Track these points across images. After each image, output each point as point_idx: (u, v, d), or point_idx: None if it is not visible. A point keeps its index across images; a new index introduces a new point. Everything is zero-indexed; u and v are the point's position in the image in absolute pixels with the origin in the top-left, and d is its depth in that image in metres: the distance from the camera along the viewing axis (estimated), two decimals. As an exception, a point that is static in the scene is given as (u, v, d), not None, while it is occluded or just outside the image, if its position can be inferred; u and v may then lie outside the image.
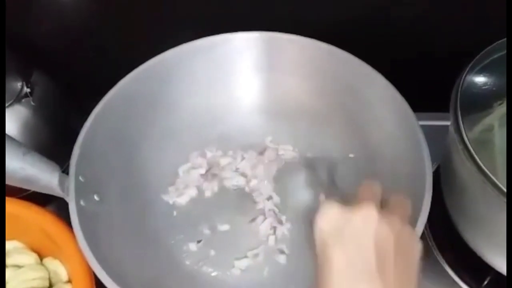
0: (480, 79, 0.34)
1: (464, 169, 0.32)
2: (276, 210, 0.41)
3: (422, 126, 0.36)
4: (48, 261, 0.39)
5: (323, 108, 0.44)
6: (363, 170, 0.41)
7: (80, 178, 0.35)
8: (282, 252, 0.39)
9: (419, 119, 0.37)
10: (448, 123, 0.33)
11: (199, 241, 0.40)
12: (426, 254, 0.40)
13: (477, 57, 0.34)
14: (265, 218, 0.40)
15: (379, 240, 0.25)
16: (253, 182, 0.42)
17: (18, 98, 0.40)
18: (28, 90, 0.40)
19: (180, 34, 0.42)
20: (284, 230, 0.40)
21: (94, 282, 0.35)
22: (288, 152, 0.44)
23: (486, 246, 0.35)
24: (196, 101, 0.43)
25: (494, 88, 0.34)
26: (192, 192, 0.42)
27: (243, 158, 0.44)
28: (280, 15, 0.44)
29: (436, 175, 0.37)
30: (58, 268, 0.38)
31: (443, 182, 0.37)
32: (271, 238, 0.40)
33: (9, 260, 0.39)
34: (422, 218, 0.32)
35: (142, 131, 0.41)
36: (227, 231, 0.40)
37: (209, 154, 0.44)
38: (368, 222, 0.25)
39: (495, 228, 0.33)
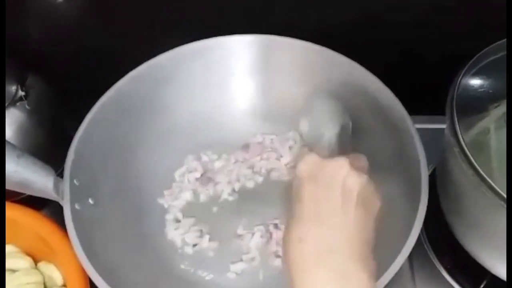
0: (475, 82, 0.34)
1: (460, 172, 0.32)
2: (272, 214, 0.41)
3: (418, 129, 0.36)
4: (43, 265, 0.39)
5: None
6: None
7: (75, 181, 0.34)
8: (277, 255, 0.39)
9: (415, 122, 0.37)
10: (444, 126, 0.33)
11: (194, 245, 0.39)
12: (422, 257, 0.40)
13: (472, 60, 0.34)
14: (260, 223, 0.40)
15: (346, 186, 0.28)
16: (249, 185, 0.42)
17: (13, 102, 0.40)
18: (23, 93, 0.40)
19: (175, 37, 0.42)
20: (280, 234, 0.40)
21: (89, 287, 0.35)
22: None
23: (482, 249, 0.35)
24: (191, 104, 0.43)
25: (490, 91, 0.34)
26: (187, 196, 0.42)
27: (236, 161, 0.44)
28: (275, 18, 0.44)
29: (432, 178, 0.37)
30: (53, 273, 0.38)
31: (439, 185, 0.37)
32: (266, 242, 0.39)
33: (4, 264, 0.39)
34: (418, 221, 0.32)
35: (136, 135, 0.41)
36: (222, 235, 0.40)
37: (204, 158, 0.44)
38: (340, 170, 0.29)
39: (491, 231, 0.32)
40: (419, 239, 0.40)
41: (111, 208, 0.37)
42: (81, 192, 0.35)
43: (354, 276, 0.26)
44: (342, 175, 0.28)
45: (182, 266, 0.38)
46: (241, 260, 0.39)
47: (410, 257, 0.40)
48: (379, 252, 0.34)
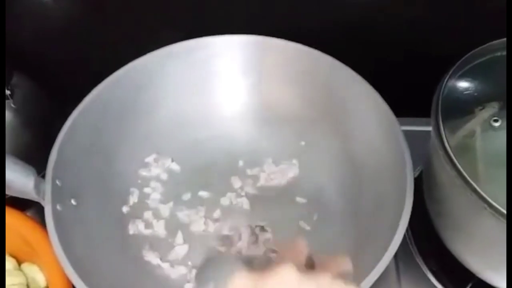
0: (462, 84, 0.34)
1: (444, 174, 0.32)
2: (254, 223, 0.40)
3: (406, 132, 0.36)
4: (26, 266, 0.39)
5: (307, 113, 0.44)
6: (345, 175, 0.41)
7: (57, 182, 0.34)
8: (274, 251, 0.38)
9: (403, 124, 0.37)
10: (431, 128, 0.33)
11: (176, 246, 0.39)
12: (408, 259, 0.40)
13: (459, 62, 0.34)
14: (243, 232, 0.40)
15: None
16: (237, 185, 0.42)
17: (-2, 101, 0.40)
18: (9, 92, 0.40)
19: (163, 37, 0.41)
20: (267, 235, 0.40)
21: (71, 288, 0.34)
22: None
23: (467, 251, 0.34)
24: (176, 105, 0.43)
25: (475, 94, 0.34)
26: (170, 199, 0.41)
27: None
28: (265, 19, 0.44)
29: (419, 181, 0.37)
30: (36, 274, 0.38)
31: (425, 187, 0.37)
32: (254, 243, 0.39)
33: (-14, 265, 0.38)
34: (403, 223, 0.32)
35: (120, 137, 0.41)
36: (205, 236, 0.39)
37: (189, 160, 0.43)
38: (287, 284, 0.22)
39: (475, 234, 0.32)
40: (405, 241, 0.41)
41: (93, 209, 0.37)
42: (63, 192, 0.34)
43: None
44: None
45: (163, 267, 0.38)
46: None
47: (396, 259, 0.41)
48: (365, 253, 0.34)
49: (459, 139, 0.32)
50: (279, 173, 0.43)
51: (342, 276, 0.24)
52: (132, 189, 0.41)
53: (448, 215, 0.35)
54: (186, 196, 0.41)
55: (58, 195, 0.34)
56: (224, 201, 0.41)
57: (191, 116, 0.44)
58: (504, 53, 0.34)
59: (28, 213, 0.38)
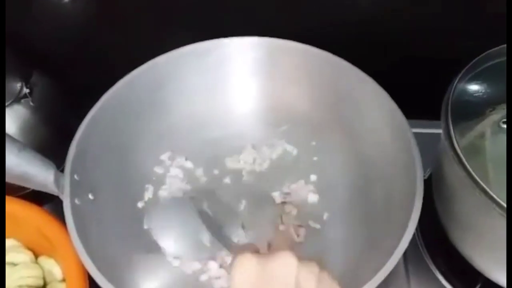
0: (472, 87, 0.34)
1: (454, 175, 0.32)
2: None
3: (417, 134, 0.37)
4: (43, 259, 0.40)
5: (318, 114, 0.44)
6: (355, 175, 0.41)
7: (75, 176, 0.35)
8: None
9: (414, 126, 0.37)
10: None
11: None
12: (417, 260, 0.40)
13: (469, 65, 0.34)
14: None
15: (300, 286, 0.24)
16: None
17: (18, 98, 0.41)
18: (28, 90, 0.41)
19: (177, 39, 0.42)
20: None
21: (87, 282, 0.35)
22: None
23: (476, 252, 0.35)
24: (191, 105, 0.44)
25: (486, 96, 0.34)
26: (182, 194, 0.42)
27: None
28: (276, 22, 0.45)
29: (429, 183, 0.37)
30: (53, 267, 0.39)
31: (434, 188, 0.38)
32: None
33: (5, 258, 0.39)
34: (412, 223, 0.32)
35: (136, 133, 0.42)
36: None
37: (202, 158, 0.44)
38: (288, 269, 0.24)
39: (485, 235, 0.33)
40: (414, 242, 0.41)
41: (109, 204, 0.37)
42: (81, 187, 0.35)
43: None
44: (292, 275, 0.24)
45: (178, 261, 0.39)
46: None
47: (406, 260, 0.41)
48: (374, 252, 0.34)
49: (469, 141, 0.32)
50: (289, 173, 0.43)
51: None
52: (147, 185, 0.42)
53: (457, 216, 0.35)
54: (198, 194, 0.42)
55: (76, 189, 0.34)
56: (236, 200, 0.42)
57: (204, 116, 0.44)
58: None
59: (46, 208, 0.39)
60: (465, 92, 0.34)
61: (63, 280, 0.38)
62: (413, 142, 0.36)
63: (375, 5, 0.44)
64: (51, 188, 0.33)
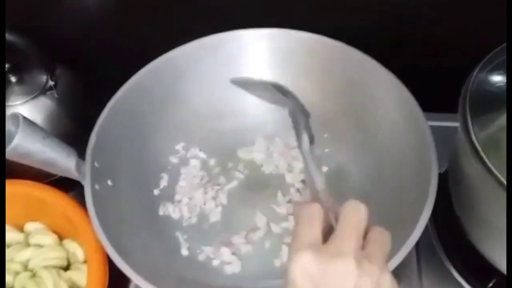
0: (493, 77, 0.33)
1: (472, 169, 0.32)
2: None
3: (435, 127, 0.36)
4: (67, 242, 0.42)
5: (332, 105, 0.44)
6: (369, 167, 0.41)
7: (96, 164, 0.37)
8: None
9: (432, 119, 0.37)
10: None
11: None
12: (430, 255, 0.40)
13: (490, 55, 0.33)
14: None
15: None
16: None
17: (43, 91, 0.42)
18: (53, 83, 0.43)
19: (196, 31, 0.43)
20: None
21: (107, 263, 0.37)
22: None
23: (493, 248, 0.34)
24: (206, 97, 0.44)
25: (506, 87, 0.33)
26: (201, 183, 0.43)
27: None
28: (292, 13, 0.44)
29: (446, 177, 0.37)
30: (76, 250, 0.41)
31: (451, 183, 0.37)
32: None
33: (32, 240, 0.41)
34: (424, 216, 0.32)
35: (154, 123, 0.43)
36: (234, 221, 0.41)
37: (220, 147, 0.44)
38: (346, 279, 0.23)
39: (503, 230, 0.31)
40: (428, 236, 0.40)
41: (127, 191, 0.39)
42: (101, 174, 0.37)
43: None
44: (351, 285, 0.23)
45: (191, 246, 0.40)
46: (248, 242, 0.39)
47: (418, 253, 0.40)
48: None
49: (487, 134, 0.31)
50: (302, 164, 0.43)
51: (384, 258, 0.25)
52: (162, 174, 0.43)
53: (474, 210, 0.34)
54: (211, 184, 0.43)
55: (96, 176, 0.36)
56: (248, 191, 0.42)
57: (219, 107, 0.45)
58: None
59: (70, 195, 0.40)
60: (485, 83, 0.32)
61: (85, 261, 0.40)
62: (428, 133, 0.36)
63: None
64: (73, 174, 0.35)
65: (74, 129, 0.45)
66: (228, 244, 0.39)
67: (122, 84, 0.41)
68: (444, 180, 0.35)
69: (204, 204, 0.42)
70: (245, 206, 0.41)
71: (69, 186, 0.40)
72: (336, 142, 0.44)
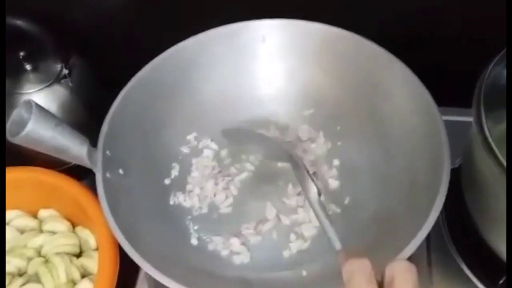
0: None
1: (485, 164, 0.31)
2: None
3: (449, 122, 0.36)
4: (79, 229, 0.42)
5: (345, 99, 0.44)
6: (380, 161, 0.41)
7: (107, 152, 0.37)
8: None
9: (446, 114, 0.36)
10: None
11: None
12: (441, 251, 0.39)
13: (504, 50, 0.32)
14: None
15: None
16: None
17: (58, 79, 0.43)
18: (67, 71, 0.43)
19: (207, 21, 0.43)
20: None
21: (118, 251, 0.37)
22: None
23: (505, 244, 0.33)
24: (218, 88, 0.44)
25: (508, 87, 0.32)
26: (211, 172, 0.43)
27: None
28: (305, 4, 0.44)
29: (458, 172, 0.36)
30: (88, 237, 0.41)
31: (464, 178, 0.36)
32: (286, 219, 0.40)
33: (45, 226, 0.42)
34: (435, 210, 0.32)
35: (165, 114, 0.43)
36: (245, 208, 0.41)
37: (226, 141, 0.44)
38: None
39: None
40: (439, 231, 0.40)
41: (138, 180, 0.39)
42: (112, 162, 0.37)
43: None
44: None
45: (201, 236, 0.40)
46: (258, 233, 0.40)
47: (429, 248, 0.40)
48: (395, 237, 0.34)
49: (501, 129, 0.30)
50: (313, 156, 0.43)
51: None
52: (173, 164, 0.43)
53: (486, 206, 0.34)
54: (222, 174, 0.43)
55: (107, 164, 0.36)
56: (259, 182, 0.42)
57: (231, 98, 0.45)
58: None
59: (83, 183, 0.41)
60: (500, 77, 0.32)
61: (97, 249, 0.40)
62: (441, 127, 0.35)
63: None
64: (85, 162, 0.35)
65: (87, 118, 0.45)
66: (238, 234, 0.39)
67: (135, 74, 0.41)
68: (457, 175, 0.35)
69: (215, 195, 0.42)
70: (256, 198, 0.41)
71: (82, 174, 0.41)
72: (349, 135, 0.44)
